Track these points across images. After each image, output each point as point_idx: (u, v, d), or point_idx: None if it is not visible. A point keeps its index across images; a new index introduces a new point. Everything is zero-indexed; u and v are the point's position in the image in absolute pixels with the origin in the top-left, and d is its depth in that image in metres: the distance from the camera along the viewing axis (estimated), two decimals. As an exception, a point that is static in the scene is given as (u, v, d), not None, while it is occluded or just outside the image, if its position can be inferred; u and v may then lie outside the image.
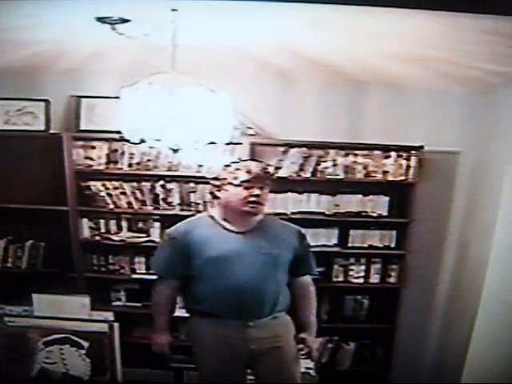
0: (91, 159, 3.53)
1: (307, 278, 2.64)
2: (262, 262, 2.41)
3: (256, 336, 2.44)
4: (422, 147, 3.50)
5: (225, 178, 2.44)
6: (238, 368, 2.51)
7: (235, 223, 2.45)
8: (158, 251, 2.63)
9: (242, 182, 2.38)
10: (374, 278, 3.71)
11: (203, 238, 2.43)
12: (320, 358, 3.51)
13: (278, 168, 3.51)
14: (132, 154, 3.52)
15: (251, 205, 2.39)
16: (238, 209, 2.41)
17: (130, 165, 3.54)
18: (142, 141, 2.30)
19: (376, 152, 3.55)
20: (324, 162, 3.54)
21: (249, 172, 2.39)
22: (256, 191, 2.38)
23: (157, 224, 3.67)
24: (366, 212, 3.61)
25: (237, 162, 2.51)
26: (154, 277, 2.67)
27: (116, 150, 3.53)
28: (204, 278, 2.42)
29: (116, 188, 3.59)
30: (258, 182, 2.39)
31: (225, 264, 2.38)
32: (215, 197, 2.51)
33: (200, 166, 3.52)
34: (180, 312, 3.67)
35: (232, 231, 2.44)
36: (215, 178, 2.51)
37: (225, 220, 2.46)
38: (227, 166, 2.49)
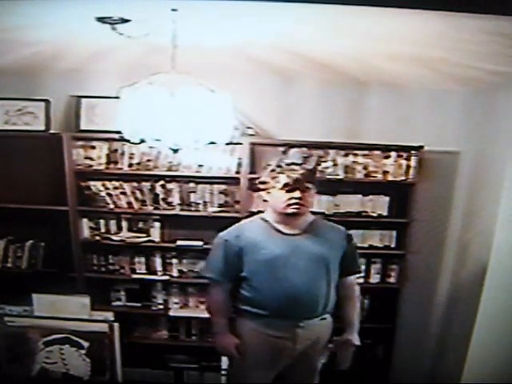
0: (91, 159, 3.53)
1: (352, 278, 2.64)
2: (315, 264, 2.42)
3: (304, 336, 2.45)
4: (422, 147, 3.50)
5: (268, 182, 2.46)
6: (280, 368, 2.52)
7: (286, 225, 2.46)
8: (210, 255, 2.60)
9: (284, 185, 2.40)
10: (374, 278, 3.70)
11: (256, 240, 2.44)
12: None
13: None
14: (132, 154, 3.52)
15: (293, 206, 2.40)
16: (281, 212, 2.43)
17: (130, 165, 3.54)
18: (142, 141, 2.30)
19: (376, 152, 3.54)
20: (324, 161, 3.54)
21: (289, 176, 2.39)
22: (297, 194, 2.40)
23: (157, 224, 3.68)
24: (366, 212, 3.60)
25: (279, 166, 2.47)
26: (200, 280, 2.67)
27: (116, 150, 3.53)
28: (257, 280, 2.42)
29: (116, 188, 3.59)
30: (300, 184, 2.40)
31: (278, 265, 2.39)
32: (264, 200, 2.53)
33: (200, 165, 3.53)
34: (180, 312, 3.72)
35: (284, 233, 2.46)
36: (261, 182, 2.52)
37: (277, 222, 2.48)
38: (269, 168, 2.49)
